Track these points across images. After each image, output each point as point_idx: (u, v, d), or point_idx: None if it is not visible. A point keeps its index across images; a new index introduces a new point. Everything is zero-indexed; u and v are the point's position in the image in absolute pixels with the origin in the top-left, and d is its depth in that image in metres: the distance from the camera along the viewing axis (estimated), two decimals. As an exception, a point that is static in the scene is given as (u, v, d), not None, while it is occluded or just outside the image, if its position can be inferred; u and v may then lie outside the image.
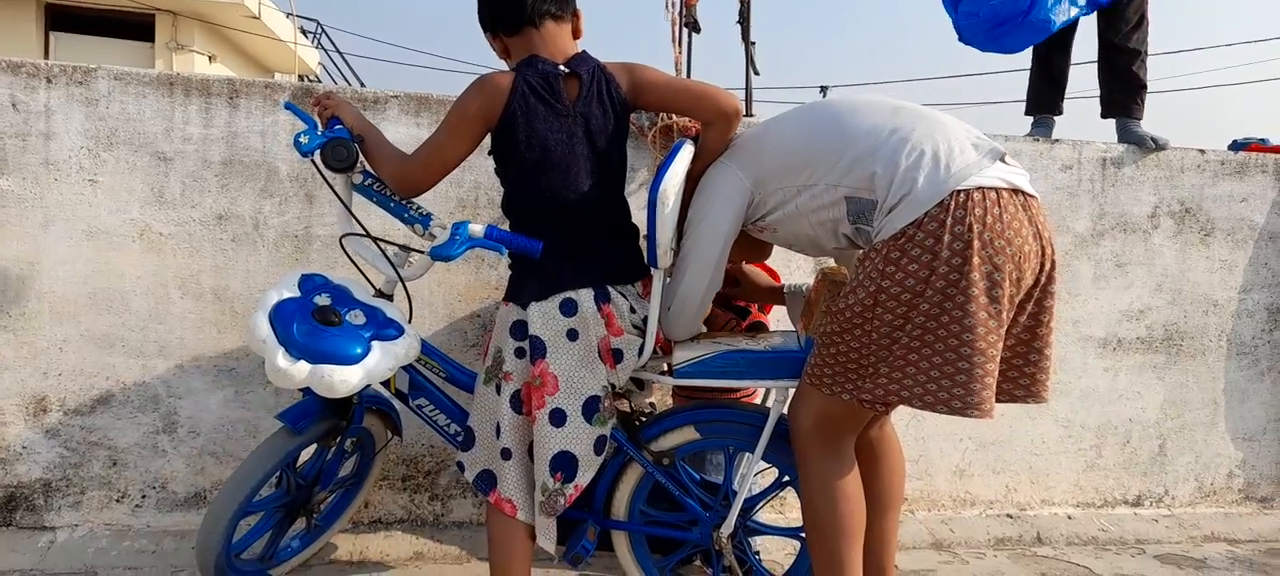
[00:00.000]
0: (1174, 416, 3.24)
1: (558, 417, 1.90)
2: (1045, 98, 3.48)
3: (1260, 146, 3.37)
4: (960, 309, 1.66)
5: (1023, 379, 1.87)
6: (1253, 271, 3.24)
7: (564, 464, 1.91)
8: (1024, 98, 3.55)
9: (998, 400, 1.79)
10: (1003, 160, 1.77)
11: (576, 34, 2.00)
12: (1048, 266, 1.78)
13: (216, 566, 2.12)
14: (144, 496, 2.66)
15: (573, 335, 1.91)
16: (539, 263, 1.90)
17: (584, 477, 1.93)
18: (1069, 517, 3.14)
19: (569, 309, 1.91)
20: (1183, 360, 3.22)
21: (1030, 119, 3.53)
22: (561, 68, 1.91)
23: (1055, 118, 3.52)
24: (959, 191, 1.68)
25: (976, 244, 1.66)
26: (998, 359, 1.72)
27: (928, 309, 1.68)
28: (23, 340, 2.54)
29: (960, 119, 1.88)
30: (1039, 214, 1.77)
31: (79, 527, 2.60)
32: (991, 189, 1.70)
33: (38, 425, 2.57)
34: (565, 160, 1.90)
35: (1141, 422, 3.22)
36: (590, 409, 1.93)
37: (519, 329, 1.94)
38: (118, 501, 2.64)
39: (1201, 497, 3.30)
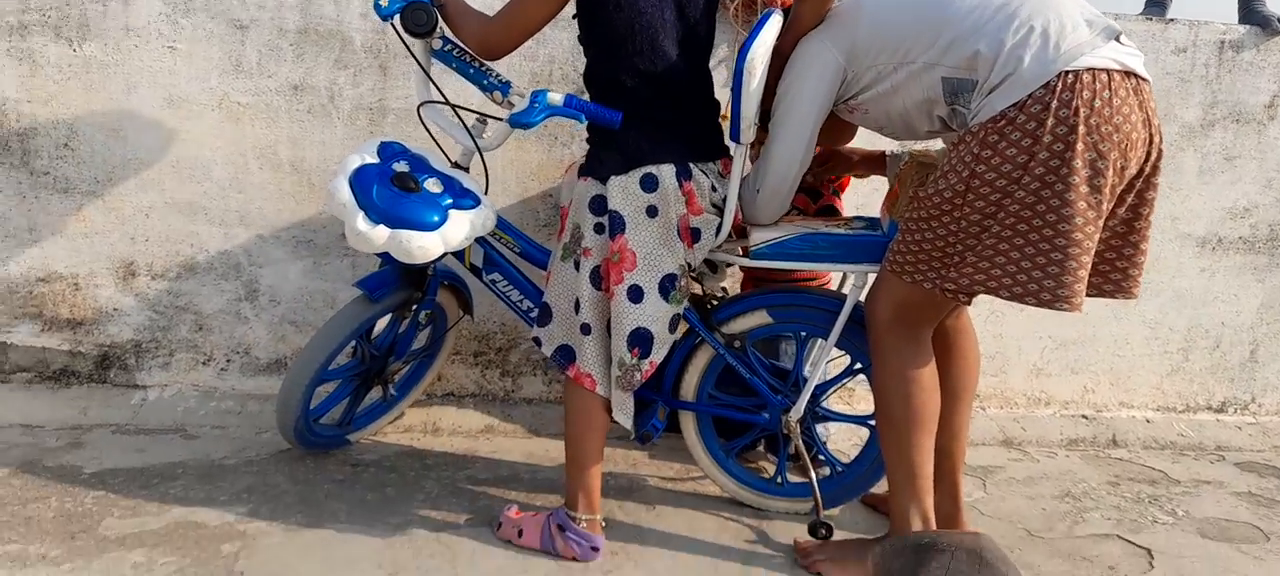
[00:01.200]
0: (1270, 321, 3.08)
1: (635, 294, 1.89)
2: None
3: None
4: (1059, 197, 1.58)
5: (1114, 273, 1.78)
6: (1375, 171, 3.01)
7: (640, 339, 1.90)
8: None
9: (1088, 295, 1.72)
10: (1118, 39, 1.65)
11: None
12: (1155, 156, 1.67)
13: (295, 429, 2.20)
14: (228, 360, 2.75)
15: (652, 211, 1.88)
16: (619, 135, 1.86)
17: (659, 354, 1.93)
18: (1148, 421, 3.05)
19: (650, 184, 1.86)
20: (1287, 263, 3.05)
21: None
22: None
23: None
24: (1067, 72, 1.58)
25: (1082, 129, 1.56)
26: (1092, 252, 1.65)
27: (1023, 196, 1.60)
28: (110, 206, 2.61)
29: None
30: (1150, 99, 1.65)
31: (169, 387, 2.73)
32: (1103, 70, 1.58)
33: (128, 288, 2.67)
34: (654, 27, 1.83)
35: (1234, 326, 3.07)
36: (667, 286, 1.91)
37: (598, 203, 1.91)
38: (204, 364, 2.75)
39: (1292, 407, 3.17)
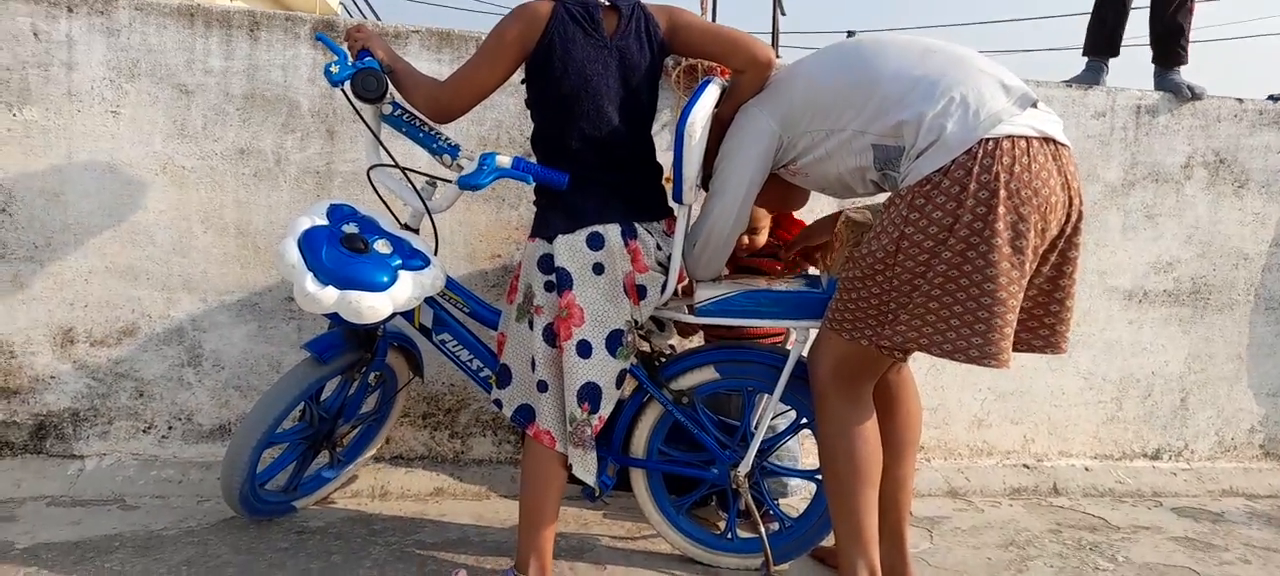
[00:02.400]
0: (1198, 370, 3.21)
1: (584, 349, 1.91)
2: (1100, 40, 3.39)
3: (1299, 97, 3.28)
4: (983, 258, 1.64)
5: (1042, 330, 1.85)
6: (1285, 225, 3.18)
7: (590, 394, 1.92)
8: (1060, 46, 3.47)
9: (1016, 350, 1.79)
10: (1035, 106, 1.73)
11: None
12: (1074, 218, 1.75)
13: (241, 494, 2.16)
14: (170, 427, 2.70)
15: (599, 269, 1.91)
16: (565, 197, 1.91)
17: (606, 409, 1.95)
18: (1086, 469, 3.13)
19: (596, 242, 1.91)
20: (1209, 314, 3.18)
21: (1086, 59, 3.43)
22: (604, 1, 1.91)
23: (1109, 61, 3.42)
24: (987, 139, 1.65)
25: (1003, 193, 1.63)
26: (1017, 309, 1.71)
27: (950, 256, 1.66)
28: (50, 271, 2.56)
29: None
30: (1069, 163, 1.73)
31: (107, 456, 2.65)
32: (1021, 137, 1.66)
33: (66, 355, 2.61)
34: (599, 92, 1.89)
35: (1164, 376, 3.19)
36: (614, 342, 1.94)
37: (546, 262, 1.94)
38: (145, 432, 2.69)
39: (1222, 452, 3.28)
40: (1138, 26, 3.74)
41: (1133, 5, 3.42)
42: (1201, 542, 2.65)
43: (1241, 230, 3.16)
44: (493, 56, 1.90)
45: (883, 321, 1.77)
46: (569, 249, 1.90)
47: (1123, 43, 3.41)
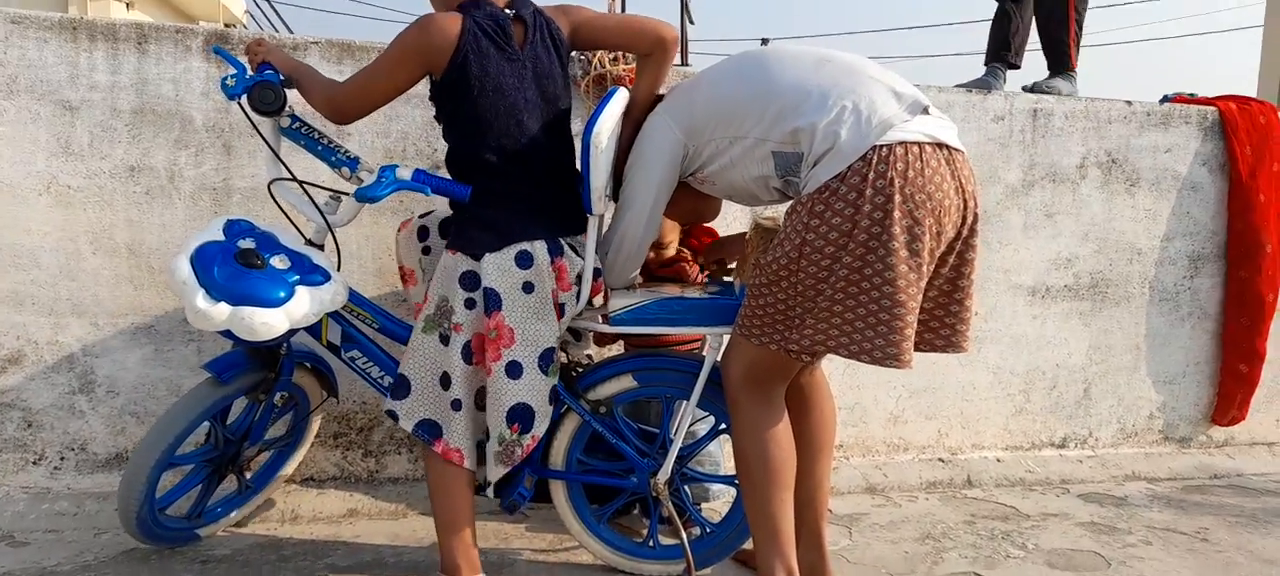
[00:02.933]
0: (1099, 361, 3.34)
1: (515, 370, 1.88)
2: (999, 49, 3.52)
3: (1185, 98, 3.45)
4: (882, 261, 1.68)
5: (944, 330, 1.90)
6: (1175, 220, 3.34)
7: (521, 415, 1.90)
8: (968, 51, 3.59)
9: (920, 350, 1.84)
10: (927, 111, 1.78)
11: None
12: (970, 220, 1.80)
13: (139, 518, 2.06)
14: (62, 458, 2.56)
15: (528, 287, 1.88)
16: (489, 211, 1.87)
17: (540, 428, 1.93)
18: (998, 460, 3.23)
19: (525, 260, 1.88)
20: (1108, 307, 3.31)
21: (985, 67, 3.56)
22: (505, 10, 1.88)
23: (1008, 70, 3.55)
24: (881, 146, 1.69)
25: (897, 198, 1.67)
26: (917, 310, 1.75)
27: (850, 261, 1.69)
28: (-77, 299, 2.41)
29: (891, 70, 1.87)
30: (963, 167, 1.78)
31: (-8, 493, 2.50)
32: (914, 143, 1.70)
33: (-57, 388, 2.45)
34: (517, 106, 1.87)
35: (1068, 368, 3.31)
36: (545, 361, 1.92)
37: (469, 279, 1.89)
38: (35, 464, 2.54)
39: (1124, 439, 3.42)
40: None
41: (1031, 17, 3.56)
42: (1106, 526, 2.74)
43: (1135, 226, 3.30)
44: (394, 65, 1.84)
45: (790, 326, 1.79)
46: (498, 268, 1.87)
47: (1023, 52, 3.55)
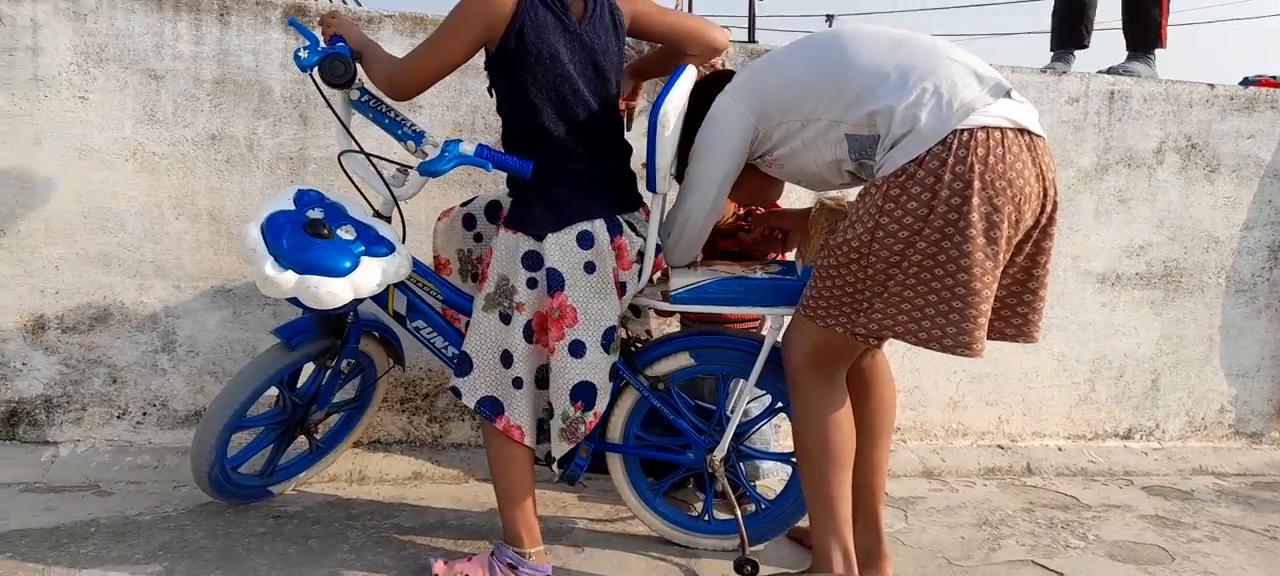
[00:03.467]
0: (1169, 352, 3.26)
1: (578, 349, 1.91)
2: (1068, 31, 3.42)
3: (1271, 81, 3.32)
4: (957, 248, 1.65)
5: (1015, 319, 1.86)
6: (1256, 209, 3.22)
7: (584, 393, 1.94)
8: (1043, 29, 3.50)
9: (989, 338, 1.79)
10: (1009, 95, 1.74)
11: None
12: (1049, 209, 1.76)
13: (211, 476, 2.15)
14: (144, 413, 2.68)
15: (590, 267, 1.91)
16: (549, 190, 1.89)
17: (601, 405, 1.97)
18: (1059, 449, 3.18)
19: (586, 241, 1.90)
20: (1181, 296, 3.22)
21: (1052, 53, 3.49)
22: None
23: (1077, 52, 3.46)
24: (961, 130, 1.66)
25: (977, 184, 1.63)
26: (991, 299, 1.72)
27: (924, 247, 1.67)
28: (18, 258, 2.53)
29: (968, 50, 1.84)
30: (1044, 154, 1.74)
31: (81, 443, 2.64)
32: (996, 128, 1.67)
33: (37, 342, 2.59)
34: (573, 78, 1.87)
35: (1136, 357, 3.24)
36: (608, 339, 1.95)
37: (531, 259, 1.92)
38: (119, 418, 2.67)
39: (1192, 432, 3.34)
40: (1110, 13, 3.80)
41: None
42: (1171, 520, 2.69)
43: (1212, 214, 3.20)
44: (454, 35, 1.85)
45: (857, 309, 1.78)
46: (560, 248, 1.89)
47: (1092, 32, 3.45)
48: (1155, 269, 3.19)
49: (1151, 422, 3.30)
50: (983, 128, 1.66)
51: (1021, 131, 1.70)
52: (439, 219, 2.33)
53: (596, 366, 1.94)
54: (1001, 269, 1.73)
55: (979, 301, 1.68)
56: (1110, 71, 3.22)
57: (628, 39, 2.04)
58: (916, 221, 1.67)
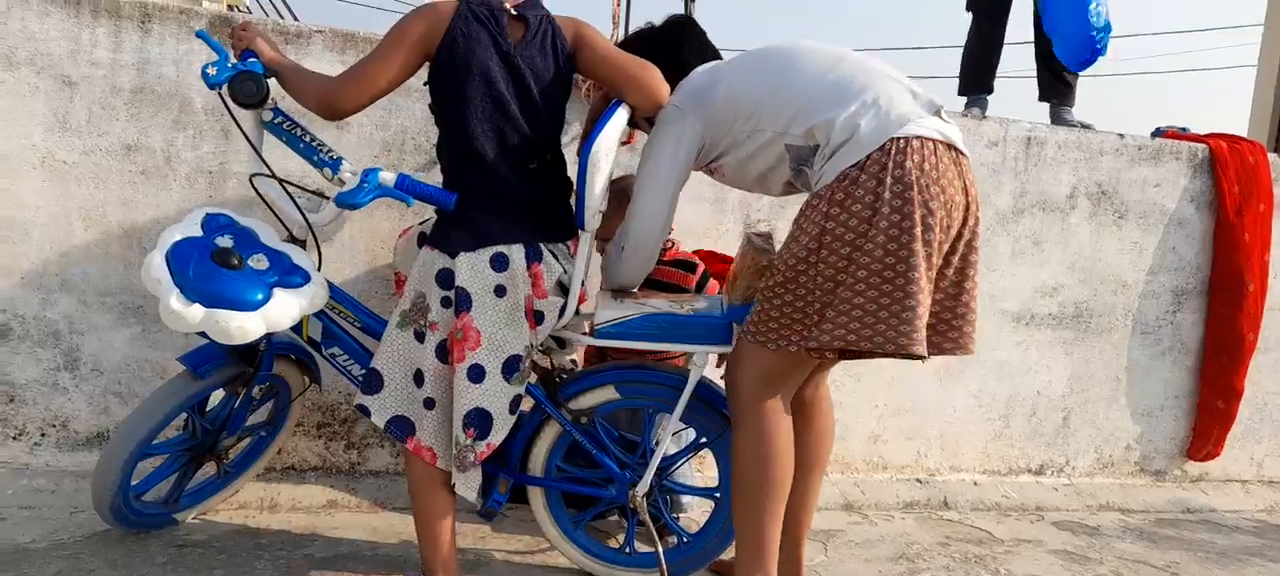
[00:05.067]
0: (1079, 391, 3.37)
1: (476, 373, 1.87)
2: (979, 76, 3.56)
3: (1177, 133, 3.48)
4: (904, 247, 1.71)
5: (951, 332, 1.91)
6: (1161, 254, 3.37)
7: (478, 420, 1.89)
8: (940, 75, 3.62)
9: (930, 353, 1.85)
10: (938, 114, 1.83)
11: None
12: (972, 221, 1.84)
13: (112, 506, 2.06)
14: (43, 434, 2.56)
15: (500, 291, 1.87)
16: (469, 212, 1.86)
17: (497, 436, 1.92)
18: (975, 483, 3.26)
19: (500, 263, 1.87)
20: (1091, 337, 3.35)
21: (963, 99, 3.61)
22: (507, 5, 1.87)
23: (987, 97, 3.61)
24: (898, 138, 1.73)
25: (915, 188, 1.71)
26: (928, 301, 1.78)
27: (872, 248, 1.72)
28: (-90, 267, 2.40)
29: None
30: (968, 171, 1.83)
31: (-29, 465, 2.50)
32: (929, 139, 1.75)
33: (-73, 357, 2.45)
34: (501, 97, 1.85)
35: (1048, 395, 3.34)
36: (510, 368, 1.91)
37: (445, 277, 1.89)
38: (15, 438, 2.54)
39: (1100, 469, 3.46)
40: (1013, 63, 4.00)
41: (1004, 44, 3.62)
42: (1078, 555, 2.78)
43: (1121, 258, 3.33)
44: (389, 53, 1.82)
45: (809, 323, 1.80)
46: (471, 268, 1.86)
47: (995, 78, 3.62)
48: (1067, 310, 3.31)
49: (1062, 459, 3.41)
50: (918, 137, 1.74)
51: (949, 146, 1.79)
52: (399, 236, 2.32)
53: (494, 394, 1.89)
54: (935, 273, 1.79)
55: (918, 303, 1.74)
56: (1054, 122, 3.37)
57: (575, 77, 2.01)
58: (861, 223, 1.73)
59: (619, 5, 3.05)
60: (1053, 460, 3.40)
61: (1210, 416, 3.45)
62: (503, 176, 1.88)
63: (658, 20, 2.28)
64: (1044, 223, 3.23)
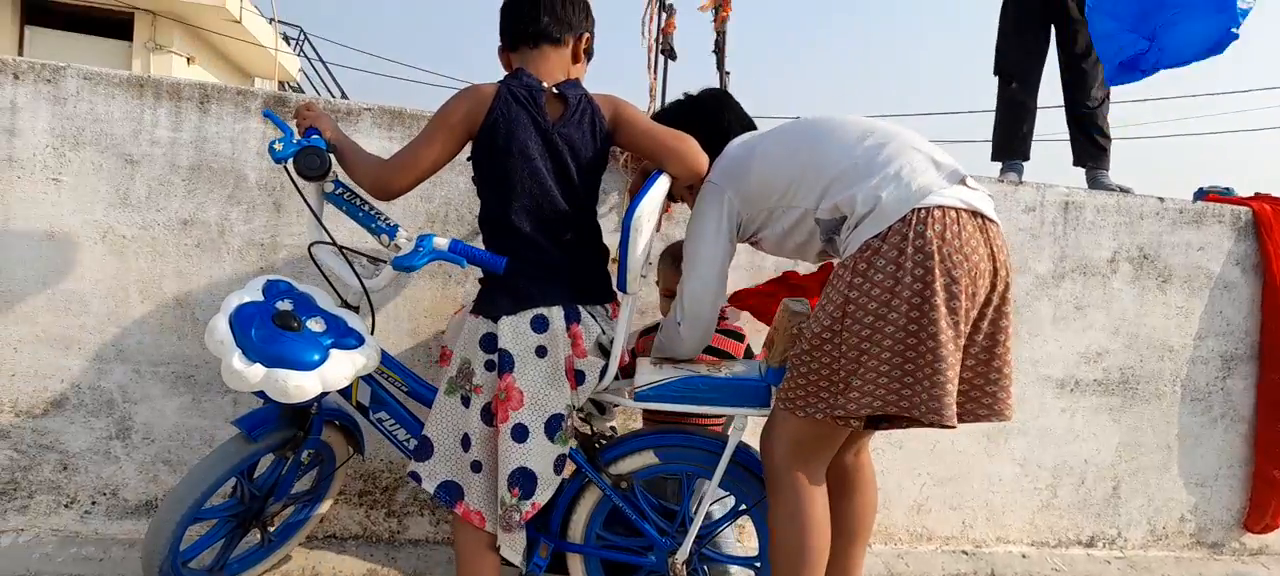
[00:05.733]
0: (1128, 459, 3.29)
1: (520, 433, 1.90)
2: (1014, 142, 3.57)
3: (1218, 197, 3.45)
4: (926, 316, 1.72)
5: (985, 398, 1.90)
6: (1208, 319, 3.31)
7: (522, 480, 1.91)
8: (989, 139, 3.64)
9: (964, 421, 1.85)
10: (964, 183, 1.84)
11: (576, 57, 2.06)
12: (1001, 288, 1.84)
13: (162, 570, 2.09)
14: (94, 503, 2.61)
15: (542, 352, 1.92)
16: (510, 278, 1.92)
17: (542, 496, 1.93)
18: (1023, 556, 3.17)
19: (540, 325, 1.92)
20: (1138, 404, 3.28)
21: (997, 164, 3.63)
22: (546, 85, 1.95)
23: (1023, 162, 3.62)
24: (919, 208, 1.76)
25: (937, 257, 1.72)
26: (958, 370, 1.78)
27: (896, 318, 1.73)
28: (-24, 338, 2.49)
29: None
30: (996, 237, 1.84)
31: (25, 532, 2.55)
32: (951, 208, 1.77)
33: (-13, 425, 2.53)
34: (540, 173, 1.93)
35: (1096, 464, 3.27)
36: (553, 427, 1.93)
37: (489, 341, 1.94)
38: (66, 506, 2.59)
39: (1154, 541, 3.35)
40: (1046, 127, 4.02)
41: (1036, 109, 3.64)
42: (1133, 631, 2.68)
43: (1166, 323, 3.28)
44: (436, 136, 1.93)
45: (836, 391, 1.81)
46: (513, 330, 1.91)
47: (1030, 144, 3.63)
48: (1112, 376, 3.25)
49: (1113, 531, 3.31)
50: (939, 206, 1.76)
51: (975, 213, 1.80)
52: (454, 315, 2.42)
53: (538, 453, 1.92)
54: (964, 341, 1.79)
55: (947, 370, 1.73)
56: (1093, 186, 3.37)
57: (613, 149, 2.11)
58: (884, 293, 1.74)
59: (655, 80, 3.16)
60: (1104, 531, 3.30)
61: (1268, 487, 3.33)
62: (542, 246, 1.95)
63: (694, 91, 2.35)
64: (1085, 287, 3.20)
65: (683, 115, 2.26)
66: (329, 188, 2.10)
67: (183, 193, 2.57)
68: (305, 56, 15.70)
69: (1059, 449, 3.23)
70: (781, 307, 2.12)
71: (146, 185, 2.55)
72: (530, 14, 1.98)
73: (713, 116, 2.27)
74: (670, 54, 3.65)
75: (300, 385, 1.84)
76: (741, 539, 2.87)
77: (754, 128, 2.28)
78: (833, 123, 1.99)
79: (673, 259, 2.22)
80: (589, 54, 2.10)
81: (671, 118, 2.24)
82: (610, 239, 2.10)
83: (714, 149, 2.10)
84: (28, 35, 10.71)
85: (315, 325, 1.96)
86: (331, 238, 2.06)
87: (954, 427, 1.77)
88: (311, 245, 2.07)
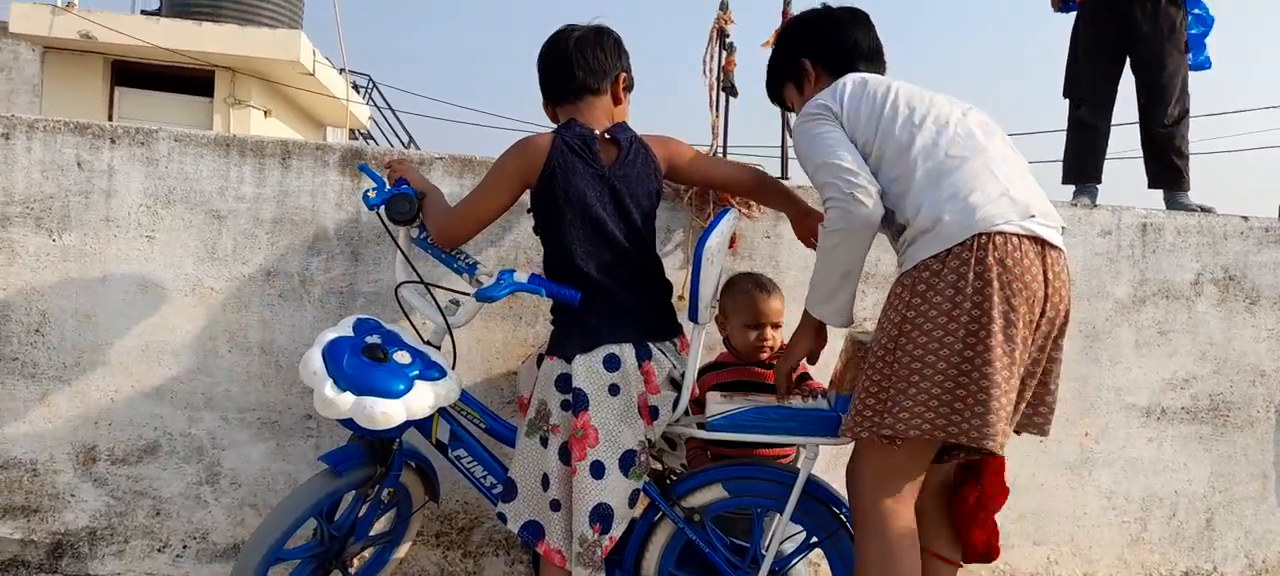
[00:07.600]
0: (1222, 489, 3.15)
1: (597, 470, 1.94)
2: (1087, 165, 3.50)
3: (1305, 215, 3.33)
4: (982, 343, 1.71)
5: (1036, 416, 1.94)
6: (1301, 341, 3.17)
7: (602, 515, 1.94)
8: (1060, 161, 3.59)
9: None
10: (1033, 216, 1.81)
11: (617, 99, 2.12)
12: (1052, 314, 1.82)
13: (247, 609, 2.15)
14: (185, 546, 2.71)
15: (614, 389, 1.96)
16: (581, 317, 1.98)
17: (618, 530, 1.97)
18: (1114, 592, 3.05)
19: (613, 364, 1.97)
20: (1230, 431, 3.14)
21: (1069, 188, 3.56)
22: (597, 132, 2.02)
23: (1097, 185, 3.54)
24: (980, 234, 1.75)
25: (996, 284, 1.72)
26: (1013, 394, 1.77)
27: (953, 342, 1.73)
28: (77, 391, 2.63)
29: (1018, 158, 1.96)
30: (1054, 264, 1.81)
31: None
32: (1013, 235, 1.76)
33: (87, 474, 2.65)
34: (599, 219, 1.99)
35: (1188, 495, 3.13)
36: (627, 462, 1.97)
37: (563, 381, 2.00)
38: (159, 550, 2.70)
39: (1253, 575, 3.18)
40: (1119, 144, 3.94)
41: (1109, 132, 3.57)
42: (1237, 671, 2.55)
43: (1257, 347, 3.15)
44: (493, 187, 2.05)
45: (883, 409, 1.81)
46: (586, 369, 1.96)
47: (1103, 167, 3.55)
48: (1201, 402, 3.13)
49: (1209, 565, 3.16)
50: (1001, 232, 1.75)
51: (1035, 240, 1.78)
52: (522, 361, 2.50)
53: (615, 489, 1.95)
54: (1021, 368, 1.78)
55: (1001, 395, 1.73)
56: (1171, 208, 3.29)
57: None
58: (941, 315, 1.74)
59: (717, 118, 3.20)
60: (1198, 566, 3.15)
61: (1378, 516, 3.15)
62: (608, 287, 2.00)
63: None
64: (1168, 311, 3.10)
65: (811, 26, 2.18)
66: (416, 232, 2.24)
67: (266, 245, 2.68)
68: (374, 104, 16.22)
69: (1147, 480, 3.10)
70: (847, 338, 2.12)
71: (232, 239, 2.67)
72: (566, 72, 2.07)
73: (838, 32, 2.13)
74: (732, 91, 3.68)
75: (387, 412, 1.93)
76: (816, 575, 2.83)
77: (881, 56, 2.16)
78: (936, 110, 1.91)
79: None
80: (629, 88, 2.17)
81: (800, 26, 2.21)
82: (674, 276, 2.13)
83: (833, 67, 2.07)
84: (117, 96, 11.29)
85: (401, 357, 2.05)
86: (419, 275, 2.19)
87: (1002, 452, 1.76)
88: (398, 286, 2.20)
